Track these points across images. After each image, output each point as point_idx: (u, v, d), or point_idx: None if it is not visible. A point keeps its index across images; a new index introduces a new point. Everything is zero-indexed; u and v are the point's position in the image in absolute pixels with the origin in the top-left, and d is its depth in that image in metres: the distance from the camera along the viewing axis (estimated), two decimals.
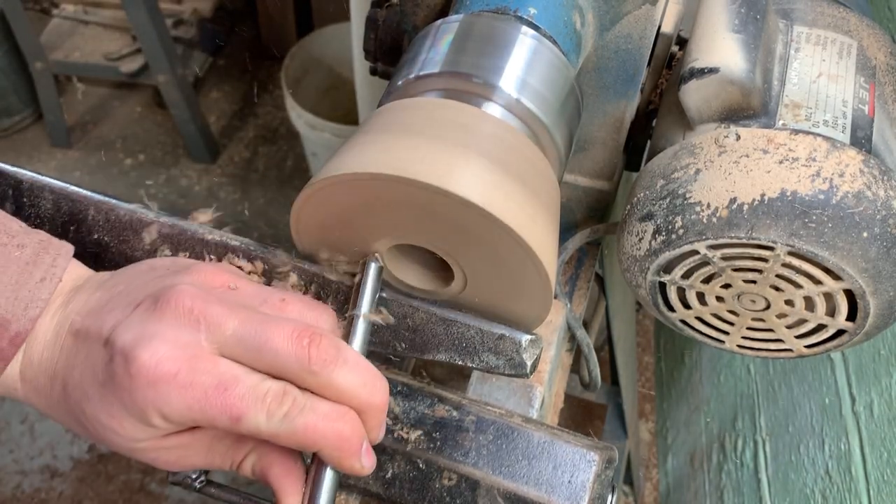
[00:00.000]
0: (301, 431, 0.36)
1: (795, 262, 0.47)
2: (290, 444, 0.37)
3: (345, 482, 0.47)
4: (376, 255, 0.44)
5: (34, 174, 0.48)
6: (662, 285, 0.54)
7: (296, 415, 0.36)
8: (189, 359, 0.36)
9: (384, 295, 0.44)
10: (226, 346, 0.37)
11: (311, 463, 0.40)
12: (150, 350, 0.35)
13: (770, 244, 0.47)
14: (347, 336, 0.41)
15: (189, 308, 0.37)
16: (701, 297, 0.53)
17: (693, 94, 0.50)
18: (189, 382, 0.35)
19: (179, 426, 0.37)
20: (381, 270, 0.44)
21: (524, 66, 0.46)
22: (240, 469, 0.42)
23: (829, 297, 0.49)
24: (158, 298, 0.37)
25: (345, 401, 0.37)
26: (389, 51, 0.65)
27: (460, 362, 0.43)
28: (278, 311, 0.40)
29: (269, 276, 0.44)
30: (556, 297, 0.63)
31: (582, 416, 1.71)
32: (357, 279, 0.43)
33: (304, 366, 0.36)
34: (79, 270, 0.43)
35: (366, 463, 0.38)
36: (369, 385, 0.38)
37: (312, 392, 0.37)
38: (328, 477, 0.39)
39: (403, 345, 0.43)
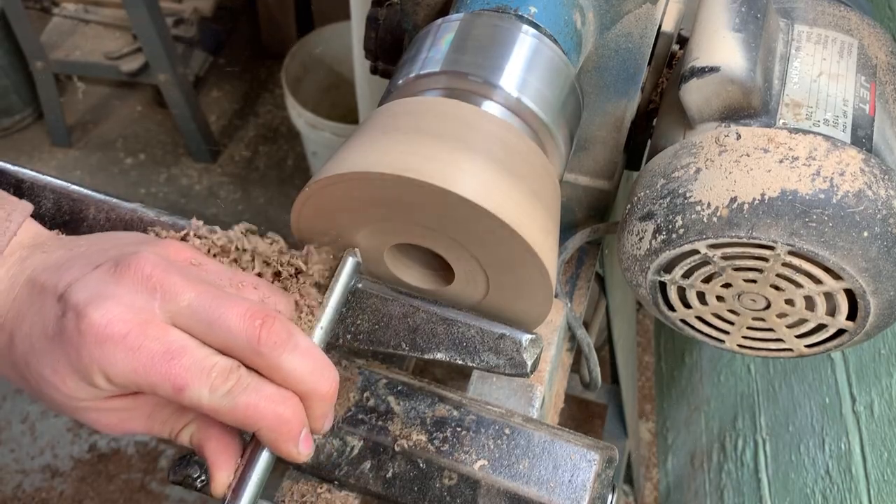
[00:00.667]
0: (242, 409, 0.36)
1: (796, 261, 0.47)
2: (229, 422, 0.37)
3: (345, 481, 0.47)
4: (355, 249, 0.44)
5: (35, 173, 0.48)
6: (663, 285, 0.54)
7: (239, 392, 0.36)
8: (140, 323, 0.36)
9: (360, 286, 0.44)
10: (179, 316, 0.37)
11: (250, 442, 0.40)
12: (103, 310, 0.36)
13: (770, 243, 0.47)
14: (312, 325, 0.42)
15: (148, 275, 0.37)
16: (701, 296, 0.53)
17: (693, 94, 0.50)
18: (136, 346, 0.35)
19: (122, 389, 0.37)
20: (357, 265, 0.44)
21: (525, 65, 0.46)
22: (178, 438, 0.42)
23: (829, 296, 0.49)
24: (119, 263, 0.38)
25: (291, 385, 0.38)
26: (390, 50, 0.65)
27: (460, 362, 0.43)
28: (237, 291, 0.40)
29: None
30: (556, 297, 0.63)
31: (582, 415, 1.71)
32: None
33: (252, 346, 0.36)
34: (40, 230, 0.43)
35: (303, 450, 0.39)
36: (317, 373, 0.38)
37: (261, 374, 0.37)
38: (263, 458, 0.39)
39: (403, 345, 0.43)
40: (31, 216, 0.43)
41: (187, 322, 0.37)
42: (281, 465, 0.49)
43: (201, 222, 0.44)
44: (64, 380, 0.37)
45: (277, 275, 0.43)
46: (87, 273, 0.38)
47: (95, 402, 0.38)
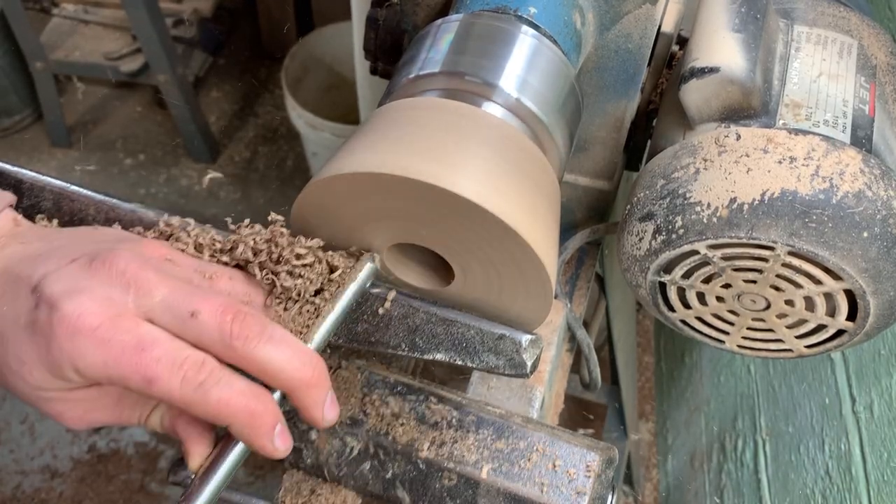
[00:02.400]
0: (214, 403, 0.36)
1: (795, 261, 0.47)
2: (201, 415, 0.37)
3: (345, 481, 0.47)
4: (375, 255, 0.44)
5: (35, 174, 0.48)
6: (662, 285, 0.54)
7: (211, 386, 0.36)
8: (112, 317, 0.36)
9: (374, 291, 0.44)
10: (153, 311, 0.37)
11: (225, 434, 0.40)
12: (76, 303, 0.36)
13: (770, 244, 0.47)
14: (313, 321, 0.41)
15: (122, 270, 0.37)
16: (701, 296, 0.53)
17: (693, 94, 0.50)
18: (108, 339, 0.36)
19: (93, 381, 0.37)
20: (375, 271, 0.44)
21: (524, 65, 0.46)
22: (147, 423, 0.42)
23: (829, 297, 0.49)
24: (95, 257, 0.38)
25: (270, 377, 0.38)
26: (390, 50, 0.65)
27: (460, 362, 0.43)
28: (210, 285, 0.40)
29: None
30: (556, 297, 0.63)
31: (582, 416, 1.71)
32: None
33: (225, 340, 0.37)
34: (20, 220, 0.44)
35: (279, 445, 0.38)
36: (296, 361, 0.38)
37: (239, 369, 0.37)
38: (236, 450, 0.39)
39: (403, 345, 0.43)
40: (27, 213, 0.43)
41: (161, 317, 0.37)
42: (281, 466, 0.49)
43: (190, 220, 0.44)
44: (31, 370, 0.37)
45: (277, 261, 0.42)
46: (63, 266, 0.38)
47: (61, 394, 0.39)
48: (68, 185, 0.48)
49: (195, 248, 0.42)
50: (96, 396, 0.40)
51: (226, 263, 0.43)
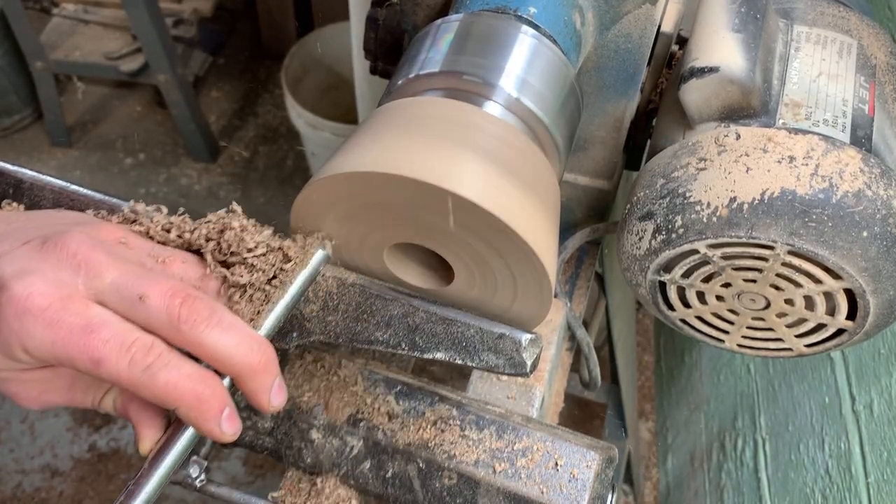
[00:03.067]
0: (161, 386, 0.36)
1: (795, 261, 0.47)
2: (149, 398, 0.37)
3: (345, 481, 0.47)
4: (326, 241, 0.44)
5: (35, 173, 0.48)
6: (662, 284, 0.54)
7: (158, 369, 0.36)
8: (61, 298, 0.36)
9: (320, 278, 0.44)
10: (102, 293, 0.37)
11: (176, 417, 0.40)
12: (25, 283, 0.36)
13: (770, 243, 0.47)
14: (264, 307, 0.41)
15: (73, 252, 0.37)
16: (701, 296, 0.53)
17: (693, 94, 0.50)
18: (56, 319, 0.36)
19: (42, 362, 0.38)
20: (326, 258, 0.44)
21: (524, 65, 0.46)
22: (101, 406, 0.42)
23: (829, 296, 0.49)
24: (47, 240, 0.38)
25: (218, 361, 0.38)
26: (389, 50, 0.65)
27: (460, 362, 0.43)
28: (162, 268, 0.40)
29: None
30: (556, 297, 0.63)
31: (582, 415, 1.71)
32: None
33: (173, 323, 0.37)
34: None
35: (226, 429, 0.38)
36: (244, 347, 0.38)
37: (188, 353, 0.38)
38: (186, 434, 0.39)
39: (403, 345, 0.43)
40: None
41: (111, 299, 0.37)
42: (281, 465, 0.49)
43: (147, 206, 0.44)
44: None
45: (222, 253, 0.42)
46: (15, 248, 0.38)
47: (14, 374, 0.39)
48: (68, 184, 0.48)
49: (152, 232, 0.43)
50: (50, 378, 0.41)
51: (185, 249, 0.43)
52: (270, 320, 0.41)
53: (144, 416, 0.41)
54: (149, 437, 0.40)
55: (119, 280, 0.37)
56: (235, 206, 0.43)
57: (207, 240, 0.42)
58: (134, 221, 0.43)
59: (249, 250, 0.41)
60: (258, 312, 0.41)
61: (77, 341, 0.36)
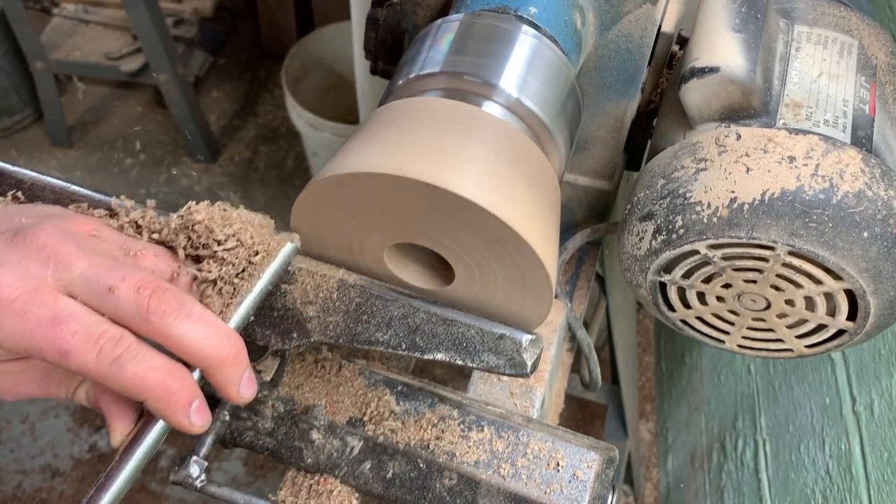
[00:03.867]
0: (129, 378, 0.36)
1: (796, 261, 0.47)
2: (117, 389, 0.37)
3: (345, 481, 0.47)
4: (295, 235, 0.44)
5: (35, 173, 0.48)
6: (663, 285, 0.54)
7: (127, 360, 0.36)
8: (30, 290, 0.36)
9: (289, 270, 0.44)
10: (72, 285, 0.37)
11: (146, 411, 0.40)
12: None
13: (770, 244, 0.47)
14: (232, 299, 0.41)
15: (42, 244, 0.37)
16: (701, 296, 0.53)
17: (693, 94, 0.50)
18: (24, 311, 0.36)
19: (13, 354, 0.38)
20: (295, 251, 0.44)
21: (524, 65, 0.46)
22: (74, 398, 0.42)
23: (829, 296, 0.49)
24: (17, 232, 0.38)
25: (187, 353, 0.38)
26: (390, 50, 0.65)
27: (460, 362, 0.43)
28: (134, 261, 0.40)
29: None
30: (556, 297, 0.63)
31: (582, 415, 1.71)
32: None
33: (141, 314, 0.37)
34: None
35: (195, 421, 0.38)
36: (213, 338, 0.38)
37: (158, 345, 0.38)
38: (157, 427, 0.39)
39: (403, 345, 0.43)
40: None
41: (80, 291, 0.37)
42: (281, 465, 0.49)
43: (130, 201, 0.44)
44: None
45: (195, 248, 0.43)
46: None
47: None
48: (69, 184, 0.48)
49: (126, 226, 0.43)
50: (23, 369, 0.41)
51: (159, 243, 0.43)
52: (239, 313, 0.41)
53: (115, 408, 0.41)
54: (120, 429, 0.40)
55: (88, 272, 0.37)
56: (205, 203, 0.43)
57: (177, 234, 0.42)
58: (114, 215, 0.43)
59: (219, 243, 0.42)
60: (227, 305, 0.41)
61: (45, 333, 0.36)
